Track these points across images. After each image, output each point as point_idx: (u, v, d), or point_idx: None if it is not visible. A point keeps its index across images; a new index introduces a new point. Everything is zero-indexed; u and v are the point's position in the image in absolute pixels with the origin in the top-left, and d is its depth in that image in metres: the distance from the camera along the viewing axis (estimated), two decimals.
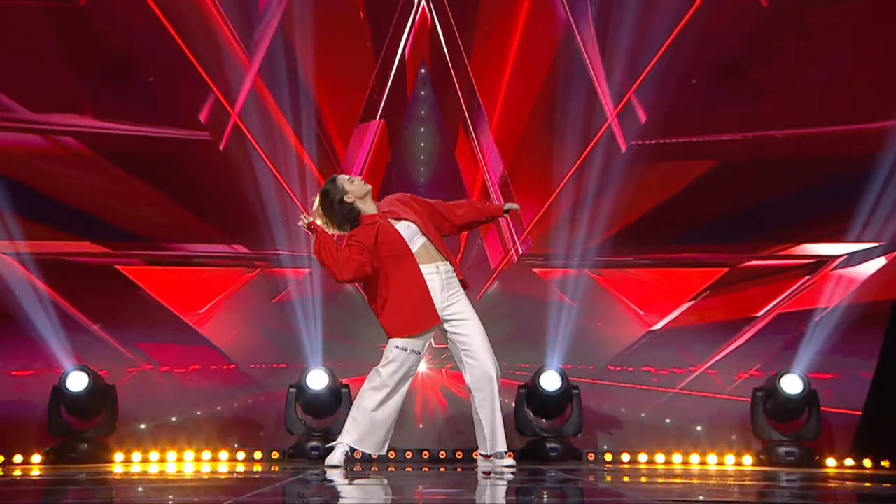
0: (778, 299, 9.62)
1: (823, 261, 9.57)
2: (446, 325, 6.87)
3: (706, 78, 9.54)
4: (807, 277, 9.58)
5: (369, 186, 6.91)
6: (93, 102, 9.50)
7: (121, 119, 9.54)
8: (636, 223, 9.62)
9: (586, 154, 9.58)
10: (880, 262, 9.48)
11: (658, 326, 9.70)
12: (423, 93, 9.77)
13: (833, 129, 9.49)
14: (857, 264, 9.50)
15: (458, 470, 8.06)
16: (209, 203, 9.63)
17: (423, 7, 9.67)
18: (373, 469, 7.94)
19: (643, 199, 9.59)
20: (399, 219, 6.86)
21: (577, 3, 9.57)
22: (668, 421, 9.55)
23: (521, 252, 9.76)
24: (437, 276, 6.83)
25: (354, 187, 6.86)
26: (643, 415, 9.61)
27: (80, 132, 9.50)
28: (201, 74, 9.50)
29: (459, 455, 9.31)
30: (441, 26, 9.65)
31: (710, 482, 6.87)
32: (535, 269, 9.79)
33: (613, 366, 9.66)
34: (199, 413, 9.49)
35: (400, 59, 9.65)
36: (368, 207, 6.87)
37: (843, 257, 9.50)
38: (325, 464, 6.89)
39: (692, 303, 9.69)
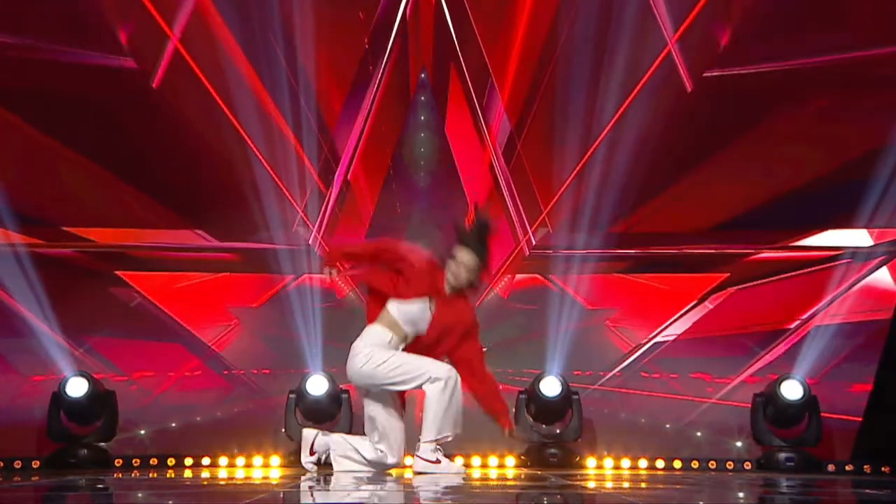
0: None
1: (829, 259, 9.47)
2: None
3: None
4: (816, 281, 9.50)
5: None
6: None
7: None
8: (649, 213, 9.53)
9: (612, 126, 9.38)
10: (882, 269, 9.42)
11: (659, 332, 9.64)
12: (422, 76, 9.61)
13: None
14: (860, 271, 9.44)
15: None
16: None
17: None
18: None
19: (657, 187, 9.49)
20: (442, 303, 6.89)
21: None
22: (668, 426, 9.51)
23: (533, 244, 9.64)
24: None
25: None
26: (643, 420, 9.57)
27: None
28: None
29: (459, 457, 9.25)
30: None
31: (710, 488, 6.82)
32: (537, 275, 9.71)
33: (613, 371, 9.61)
34: (198, 419, 9.45)
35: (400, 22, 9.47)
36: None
37: (846, 259, 9.40)
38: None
39: (695, 308, 9.62)
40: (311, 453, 7.25)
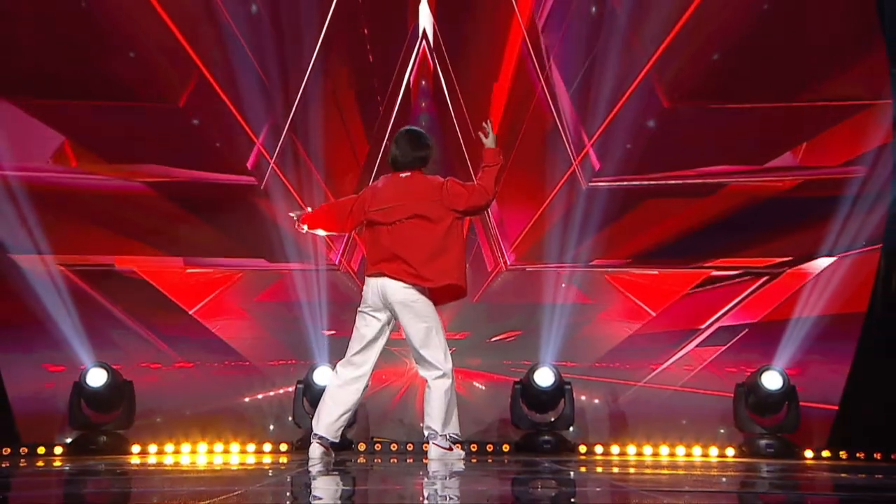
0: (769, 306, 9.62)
1: (807, 262, 9.55)
2: None
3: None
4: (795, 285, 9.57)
5: None
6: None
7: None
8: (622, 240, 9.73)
9: (559, 187, 9.74)
10: (857, 267, 9.45)
11: (647, 325, 9.66)
12: (423, 123, 9.75)
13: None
14: (835, 268, 9.47)
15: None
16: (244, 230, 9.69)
17: (424, 48, 9.72)
18: (375, 461, 7.90)
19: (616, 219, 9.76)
20: None
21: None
22: (655, 415, 9.52)
23: (509, 263, 9.77)
24: None
25: None
26: (632, 409, 9.57)
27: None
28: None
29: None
30: (441, 70, 9.75)
31: (695, 472, 6.84)
32: (529, 271, 9.76)
33: (604, 363, 9.63)
34: (211, 408, 9.46)
35: (403, 97, 9.73)
36: None
37: (825, 260, 9.48)
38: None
39: (680, 303, 9.65)
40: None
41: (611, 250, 9.78)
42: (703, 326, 9.64)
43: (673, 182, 9.73)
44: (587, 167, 9.82)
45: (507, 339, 9.67)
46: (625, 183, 9.78)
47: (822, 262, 9.50)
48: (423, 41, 9.77)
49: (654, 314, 9.69)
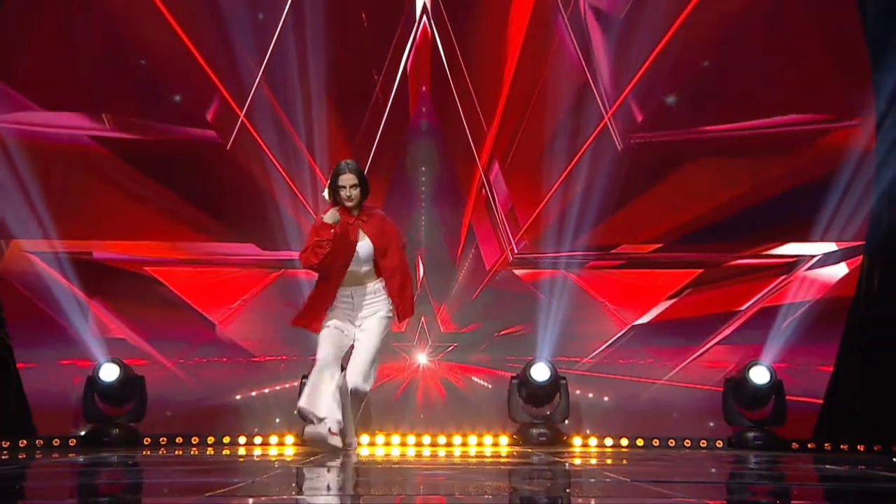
0: (753, 298, 9.60)
1: (793, 262, 9.52)
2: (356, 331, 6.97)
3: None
4: (782, 277, 9.53)
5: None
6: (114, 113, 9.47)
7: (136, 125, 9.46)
8: (622, 221, 9.59)
9: (578, 157, 9.51)
10: (841, 265, 9.46)
11: (639, 322, 9.66)
12: (423, 108, 9.72)
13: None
14: (820, 266, 9.47)
15: (457, 453, 8.06)
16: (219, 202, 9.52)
17: (424, 23, 9.63)
18: (377, 452, 7.93)
19: (630, 198, 9.55)
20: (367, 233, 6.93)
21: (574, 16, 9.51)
22: (647, 408, 9.52)
23: (516, 252, 9.73)
24: (351, 301, 6.93)
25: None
26: (625, 403, 9.58)
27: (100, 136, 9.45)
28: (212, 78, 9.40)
29: (458, 438, 9.31)
30: (441, 41, 9.59)
31: (686, 463, 6.87)
32: (526, 271, 9.74)
33: (598, 358, 9.63)
34: (220, 401, 9.47)
35: (402, 74, 9.60)
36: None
37: (810, 259, 9.47)
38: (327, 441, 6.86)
39: (672, 301, 9.65)
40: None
41: (632, 233, 9.57)
42: (695, 323, 9.61)
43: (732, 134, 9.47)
44: (623, 122, 9.45)
45: (508, 335, 9.63)
46: (673, 138, 9.41)
47: (808, 258, 9.47)
48: None
49: (648, 312, 9.67)
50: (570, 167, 9.55)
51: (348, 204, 6.90)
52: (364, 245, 6.89)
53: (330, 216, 6.87)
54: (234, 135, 9.46)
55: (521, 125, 9.53)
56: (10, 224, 9.30)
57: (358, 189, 6.89)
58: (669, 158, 9.55)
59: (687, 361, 9.53)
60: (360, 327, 6.95)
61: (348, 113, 9.59)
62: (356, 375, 6.91)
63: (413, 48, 9.61)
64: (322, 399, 6.82)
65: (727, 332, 9.53)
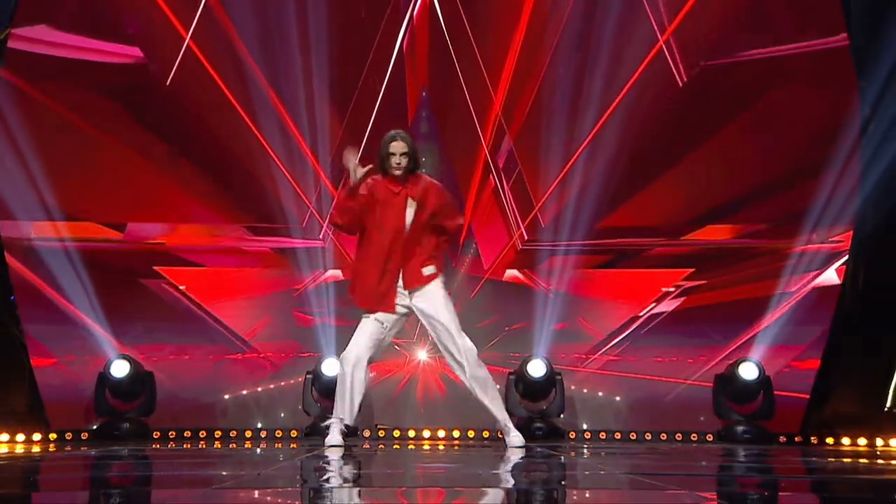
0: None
1: (781, 258, 9.49)
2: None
3: None
4: (771, 272, 9.53)
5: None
6: None
7: None
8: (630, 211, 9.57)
9: (598, 129, 9.37)
10: (828, 262, 9.45)
11: (634, 318, 9.65)
12: (423, 93, 9.59)
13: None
14: (807, 263, 9.46)
15: (456, 447, 8.08)
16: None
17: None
18: (379, 447, 7.95)
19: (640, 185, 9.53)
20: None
21: None
22: (640, 403, 9.53)
23: (525, 238, 9.71)
24: (397, 272, 6.85)
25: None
26: (618, 398, 9.60)
27: None
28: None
29: (457, 433, 9.33)
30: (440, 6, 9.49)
31: (677, 456, 6.88)
32: (524, 270, 9.73)
33: (593, 354, 9.64)
34: (227, 396, 9.50)
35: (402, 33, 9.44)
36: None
37: (797, 256, 9.45)
38: (326, 444, 6.86)
39: (665, 297, 9.64)
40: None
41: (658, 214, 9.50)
42: (686, 320, 9.62)
43: None
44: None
45: (506, 332, 9.63)
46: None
47: (796, 255, 9.46)
48: None
49: (642, 307, 9.67)
50: (597, 126, 9.34)
51: (396, 172, 6.84)
52: (410, 212, 6.87)
53: (357, 171, 6.69)
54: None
55: (533, 93, 9.39)
56: (18, 213, 9.26)
57: (407, 157, 6.85)
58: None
59: (681, 358, 9.55)
60: (423, 311, 6.89)
61: (343, 100, 9.55)
62: (468, 366, 6.94)
63: (409, 26, 9.49)
64: (346, 402, 6.83)
65: (718, 327, 9.54)
